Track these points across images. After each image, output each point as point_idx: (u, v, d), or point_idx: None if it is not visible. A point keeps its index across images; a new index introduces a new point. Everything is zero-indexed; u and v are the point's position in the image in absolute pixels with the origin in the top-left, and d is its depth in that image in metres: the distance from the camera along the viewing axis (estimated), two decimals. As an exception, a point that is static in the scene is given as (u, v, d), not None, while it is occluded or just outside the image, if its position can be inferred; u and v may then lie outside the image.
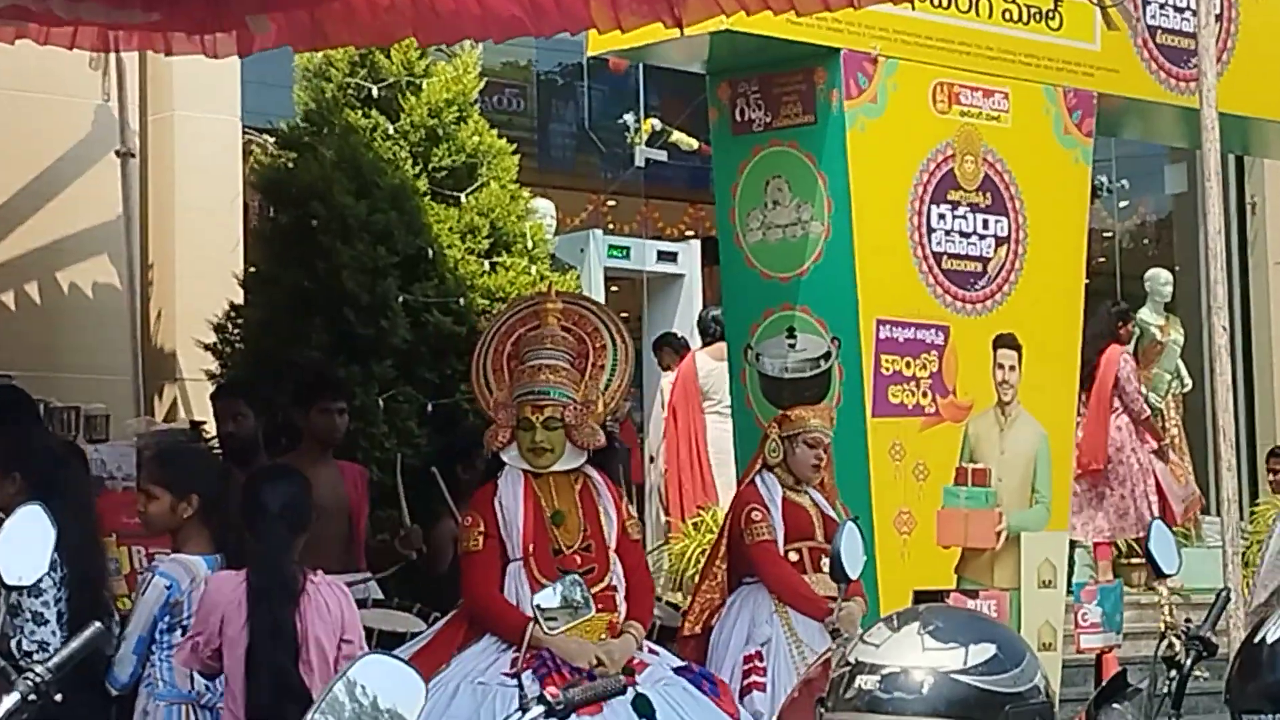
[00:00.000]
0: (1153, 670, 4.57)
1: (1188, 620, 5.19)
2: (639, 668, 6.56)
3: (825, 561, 7.72)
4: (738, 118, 8.83)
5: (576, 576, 4.33)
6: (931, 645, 2.88)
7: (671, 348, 13.74)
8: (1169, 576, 5.23)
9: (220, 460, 7.69)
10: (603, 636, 6.61)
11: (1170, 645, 4.73)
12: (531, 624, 6.39)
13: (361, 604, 7.46)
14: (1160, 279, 14.16)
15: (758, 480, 7.88)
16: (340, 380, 8.78)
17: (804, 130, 8.65)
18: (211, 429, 9.04)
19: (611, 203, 16.28)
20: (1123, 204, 15.91)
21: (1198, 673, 4.89)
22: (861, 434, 8.52)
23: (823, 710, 2.86)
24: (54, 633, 5.75)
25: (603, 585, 6.68)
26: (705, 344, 13.06)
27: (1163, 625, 9.65)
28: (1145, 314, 14.01)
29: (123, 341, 10.78)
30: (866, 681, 2.85)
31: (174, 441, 7.75)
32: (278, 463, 7.77)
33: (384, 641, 7.23)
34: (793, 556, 7.74)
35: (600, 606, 6.51)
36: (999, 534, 8.91)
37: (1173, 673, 4.62)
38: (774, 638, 7.61)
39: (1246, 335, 15.06)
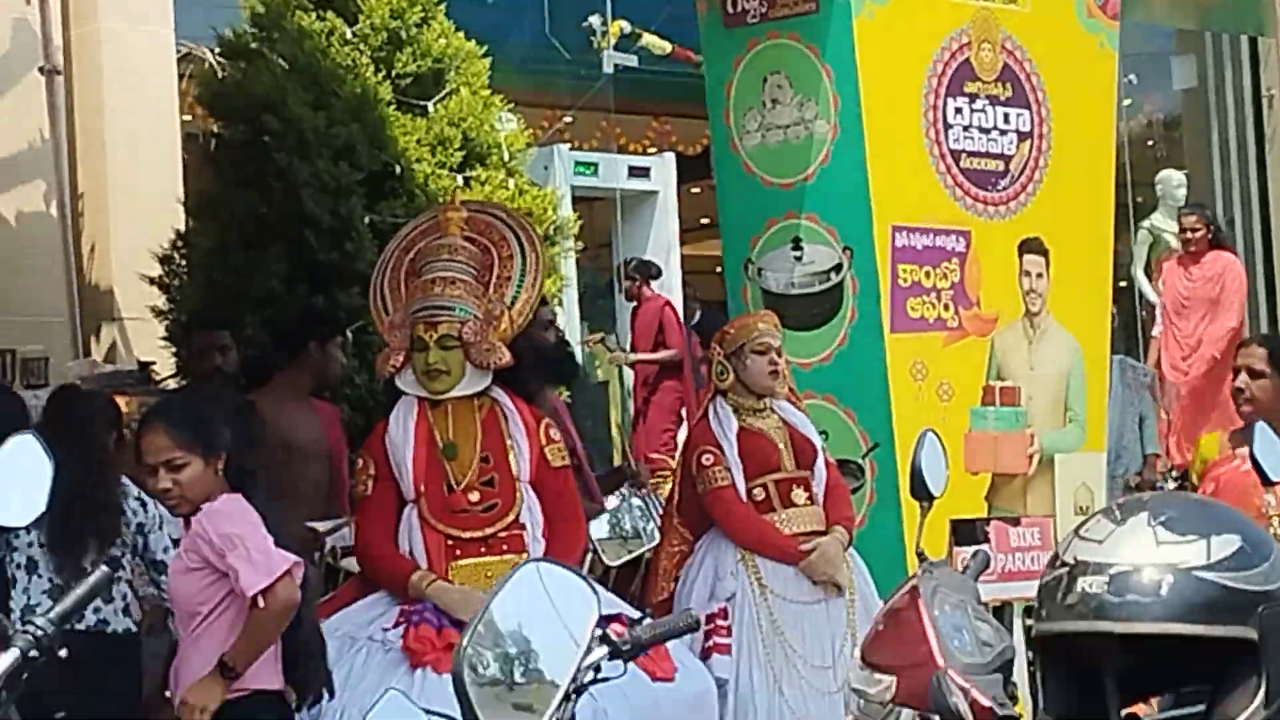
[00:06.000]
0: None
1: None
2: None
3: (797, 493, 7.41)
4: (730, 8, 8.57)
5: (640, 499, 4.12)
6: (1166, 538, 2.65)
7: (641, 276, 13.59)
8: (1275, 484, 5.08)
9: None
10: None
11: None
12: (412, 573, 6.28)
13: (347, 551, 7.28)
14: (1173, 181, 14.07)
15: (710, 412, 7.47)
16: (338, 313, 8.56)
17: (805, 20, 8.41)
18: (160, 370, 8.81)
19: (568, 118, 16.01)
20: (1126, 102, 15.75)
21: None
22: (879, 352, 8.31)
23: (1031, 623, 2.64)
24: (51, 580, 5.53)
25: (506, 523, 6.41)
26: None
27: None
28: (1158, 219, 13.89)
29: (56, 278, 10.52)
30: (1091, 584, 2.62)
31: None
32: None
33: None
34: (757, 494, 7.34)
35: (505, 547, 6.39)
36: (1031, 457, 8.74)
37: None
38: (739, 591, 7.23)
39: (1266, 232, 14.98)
